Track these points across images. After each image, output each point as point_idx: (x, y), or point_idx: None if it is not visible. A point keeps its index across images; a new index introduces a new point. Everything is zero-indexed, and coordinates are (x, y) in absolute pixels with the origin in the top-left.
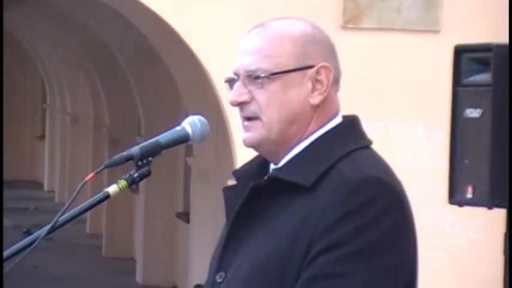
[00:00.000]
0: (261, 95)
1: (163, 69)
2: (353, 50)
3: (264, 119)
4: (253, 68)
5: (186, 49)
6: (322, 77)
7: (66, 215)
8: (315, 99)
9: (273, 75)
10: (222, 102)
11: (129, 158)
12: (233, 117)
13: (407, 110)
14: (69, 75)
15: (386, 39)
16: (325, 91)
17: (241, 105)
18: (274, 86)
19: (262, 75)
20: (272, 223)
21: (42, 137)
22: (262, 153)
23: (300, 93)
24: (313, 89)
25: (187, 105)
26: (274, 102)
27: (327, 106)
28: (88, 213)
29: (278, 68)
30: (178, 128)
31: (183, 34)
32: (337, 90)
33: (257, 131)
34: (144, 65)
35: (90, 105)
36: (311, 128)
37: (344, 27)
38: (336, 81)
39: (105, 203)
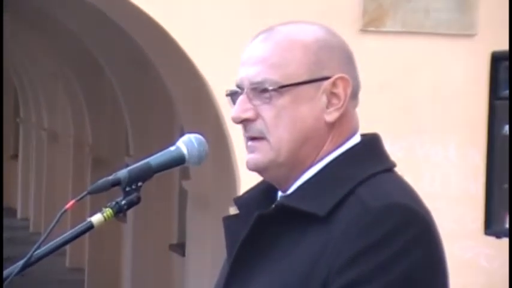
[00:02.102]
0: (268, 112)
1: (156, 79)
2: (374, 57)
3: (272, 139)
4: (259, 79)
5: (183, 57)
6: (339, 90)
7: (43, 248)
8: (331, 115)
9: (282, 88)
10: (223, 118)
11: (116, 183)
12: (236, 135)
13: (437, 127)
14: (47, 85)
15: (413, 44)
16: (342, 106)
17: (245, 122)
18: (284, 100)
19: (270, 88)
20: (282, 258)
21: (15, 156)
22: (268, 179)
23: (313, 108)
24: (329, 104)
25: (184, 121)
26: (283, 120)
27: (344, 124)
28: (68, 245)
29: (288, 79)
30: (172, 148)
31: (180, 40)
32: (355, 105)
33: (263, 153)
34: (133, 74)
35: (71, 120)
36: (326, 148)
37: (364, 30)
38: (355, 94)
39: (88, 233)
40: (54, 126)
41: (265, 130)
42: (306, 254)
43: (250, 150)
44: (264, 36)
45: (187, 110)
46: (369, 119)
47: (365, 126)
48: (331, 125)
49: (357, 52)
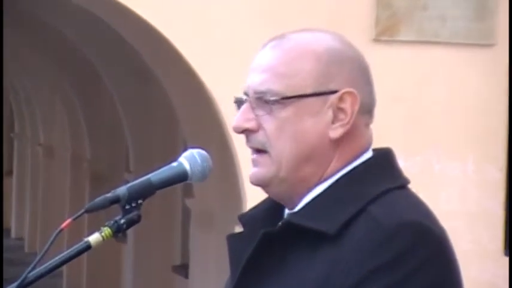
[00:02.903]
0: (270, 123)
1: (158, 91)
2: (387, 68)
3: (273, 152)
4: (262, 88)
5: (187, 67)
6: (346, 105)
7: (38, 270)
8: (335, 132)
9: (285, 99)
10: (228, 132)
11: (115, 201)
12: (242, 150)
13: (454, 141)
14: (43, 97)
15: (428, 54)
16: (348, 123)
17: (247, 133)
18: (287, 112)
19: (272, 98)
20: (288, 279)
21: (9, 172)
22: (273, 195)
23: (317, 123)
24: (335, 120)
25: (187, 135)
26: (285, 133)
27: (351, 141)
28: (65, 266)
29: (292, 91)
30: (174, 163)
31: (183, 49)
32: (368, 122)
33: (265, 168)
34: (134, 86)
35: (68, 134)
36: (333, 165)
37: (377, 40)
38: (368, 110)
39: (85, 254)
40: (51, 141)
41: (267, 143)
42: (314, 274)
43: (254, 164)
44: (274, 44)
45: (190, 124)
46: (381, 133)
47: (377, 141)
48: (336, 143)
49: (369, 62)
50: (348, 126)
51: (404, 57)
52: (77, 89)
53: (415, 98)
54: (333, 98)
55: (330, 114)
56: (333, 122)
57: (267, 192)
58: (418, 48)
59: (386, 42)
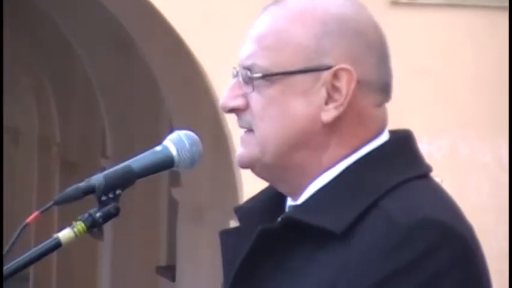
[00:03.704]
0: (255, 102)
1: (139, 64)
2: (406, 35)
3: (257, 133)
4: (248, 63)
5: (173, 36)
6: (342, 83)
7: (2, 270)
8: (328, 114)
9: (270, 76)
10: (221, 112)
11: (89, 191)
12: (237, 132)
13: (484, 120)
14: (4, 72)
15: (455, 19)
16: (341, 104)
17: (236, 111)
18: (273, 90)
19: (255, 75)
20: (289, 282)
21: None
22: (265, 180)
23: (308, 104)
24: (329, 100)
25: (173, 115)
26: (270, 114)
27: (355, 124)
28: (32, 267)
29: (278, 66)
30: (158, 148)
31: (168, 15)
32: (380, 101)
33: (249, 148)
34: (112, 57)
35: (35, 114)
36: (335, 153)
37: (395, 2)
38: (378, 88)
39: (55, 252)
40: (15, 123)
41: (252, 122)
42: (319, 277)
43: (241, 143)
44: (270, 9)
45: (177, 102)
46: (399, 111)
47: (395, 121)
48: (330, 126)
49: (385, 29)
50: (341, 108)
51: (426, 23)
52: (44, 61)
53: (440, 71)
54: (326, 74)
55: (322, 93)
56: (326, 103)
57: (256, 175)
58: (443, 12)
59: (406, 5)
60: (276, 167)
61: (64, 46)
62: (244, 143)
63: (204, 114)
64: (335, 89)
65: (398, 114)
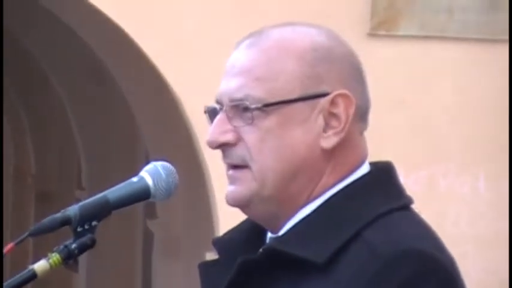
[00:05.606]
0: (251, 135)
1: (115, 93)
2: (384, 67)
3: (255, 168)
4: (240, 95)
5: (148, 66)
6: (340, 109)
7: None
8: (328, 141)
9: (268, 106)
10: (197, 142)
11: (65, 222)
12: (213, 163)
13: (463, 153)
14: None
15: (433, 51)
16: (342, 130)
17: (224, 147)
18: (270, 122)
19: (253, 106)
20: None
21: None
22: (253, 217)
23: (307, 132)
24: (326, 127)
25: (149, 146)
26: (268, 146)
27: (346, 151)
28: None
29: (275, 96)
30: (135, 179)
31: (144, 45)
32: (362, 128)
33: (245, 185)
34: (87, 87)
35: (10, 144)
36: (325, 181)
37: (372, 34)
38: (362, 116)
39: (30, 284)
40: None
41: (247, 157)
42: None
43: (231, 181)
44: (251, 41)
45: (153, 132)
46: (378, 144)
47: (373, 153)
48: (329, 153)
49: (363, 61)
50: (342, 134)
51: (404, 55)
52: (20, 91)
53: (418, 103)
54: (324, 101)
55: (320, 121)
56: (324, 130)
57: (246, 213)
58: (421, 44)
59: (384, 37)
60: (274, 199)
61: (40, 78)
62: (237, 180)
63: (179, 145)
64: (332, 115)
65: (377, 146)
